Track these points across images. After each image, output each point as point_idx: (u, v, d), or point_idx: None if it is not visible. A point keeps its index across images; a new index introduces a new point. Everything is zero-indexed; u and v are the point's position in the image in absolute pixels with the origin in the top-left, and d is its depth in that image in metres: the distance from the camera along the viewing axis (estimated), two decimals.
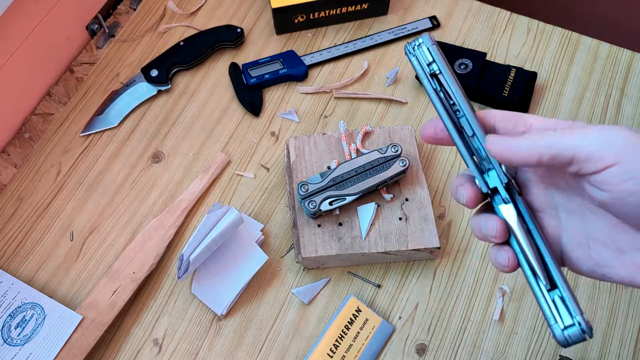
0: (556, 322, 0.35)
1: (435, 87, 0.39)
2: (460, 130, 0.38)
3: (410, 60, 0.39)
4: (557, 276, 0.35)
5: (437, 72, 0.38)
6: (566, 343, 0.34)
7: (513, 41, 0.76)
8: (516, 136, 0.35)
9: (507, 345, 0.59)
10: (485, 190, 0.38)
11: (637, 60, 0.74)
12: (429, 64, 0.39)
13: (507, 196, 0.37)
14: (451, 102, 0.38)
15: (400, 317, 0.61)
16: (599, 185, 0.33)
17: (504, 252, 0.37)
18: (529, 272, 0.36)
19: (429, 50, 0.39)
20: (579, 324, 0.34)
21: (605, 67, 0.74)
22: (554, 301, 0.35)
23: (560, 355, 0.59)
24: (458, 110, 0.38)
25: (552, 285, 0.36)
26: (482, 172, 0.38)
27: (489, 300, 0.61)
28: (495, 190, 0.38)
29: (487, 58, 0.74)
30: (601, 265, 0.35)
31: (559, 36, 0.76)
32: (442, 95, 0.38)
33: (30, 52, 0.69)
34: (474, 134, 0.38)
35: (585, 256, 0.36)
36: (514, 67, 0.71)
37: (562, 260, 0.37)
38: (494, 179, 0.38)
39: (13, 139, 0.71)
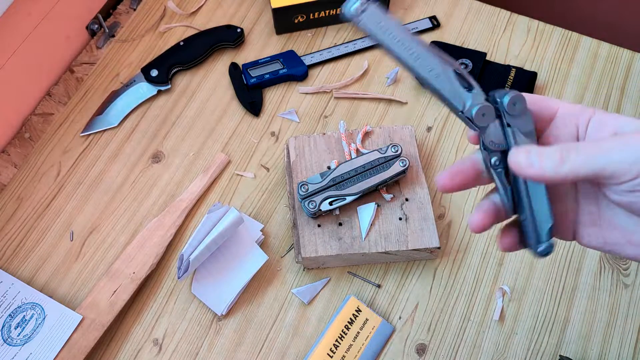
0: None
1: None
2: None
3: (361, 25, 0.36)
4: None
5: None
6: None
7: (513, 41, 0.76)
8: (540, 143, 0.36)
9: (507, 345, 0.59)
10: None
11: (637, 60, 0.74)
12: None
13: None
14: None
15: (400, 317, 0.61)
16: (617, 191, 0.33)
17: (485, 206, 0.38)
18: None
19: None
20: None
21: (605, 67, 0.74)
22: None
23: (560, 355, 0.59)
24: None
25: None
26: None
27: (489, 300, 0.61)
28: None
29: (487, 58, 0.74)
30: (610, 243, 0.37)
31: (559, 36, 0.76)
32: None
33: (30, 52, 0.69)
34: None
35: (597, 234, 0.37)
36: (514, 67, 0.71)
37: (573, 234, 0.38)
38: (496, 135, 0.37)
39: (13, 139, 0.71)
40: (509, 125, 0.36)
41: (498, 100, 0.36)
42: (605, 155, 0.32)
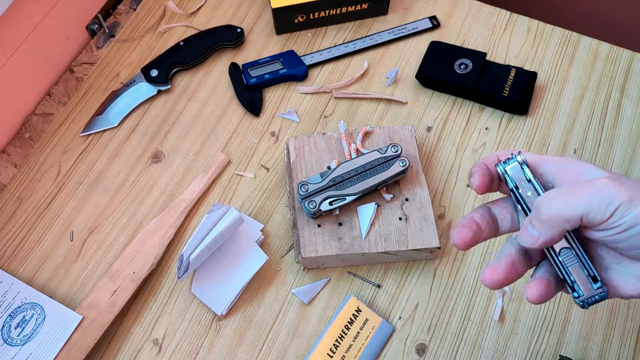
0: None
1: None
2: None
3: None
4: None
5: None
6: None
7: (513, 41, 0.76)
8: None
9: (507, 345, 0.59)
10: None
11: (637, 60, 0.74)
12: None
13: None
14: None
15: (400, 317, 0.61)
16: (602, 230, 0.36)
17: None
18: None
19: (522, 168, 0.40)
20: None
21: (605, 67, 0.74)
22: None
23: (560, 355, 0.59)
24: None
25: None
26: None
27: (489, 300, 0.61)
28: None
29: (487, 58, 0.74)
30: None
31: (559, 36, 0.76)
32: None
33: (30, 52, 0.69)
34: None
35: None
36: (514, 67, 0.71)
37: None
38: None
39: (13, 139, 0.71)
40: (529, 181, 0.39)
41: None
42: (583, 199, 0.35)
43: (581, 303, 0.38)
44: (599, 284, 0.37)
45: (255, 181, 0.68)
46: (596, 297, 0.37)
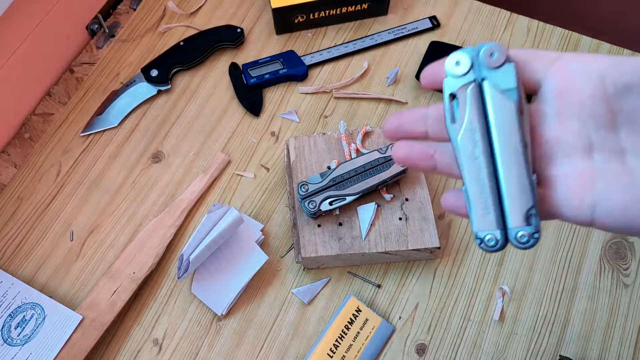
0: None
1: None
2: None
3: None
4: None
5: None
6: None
7: (513, 41, 0.76)
8: None
9: (507, 345, 0.59)
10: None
11: None
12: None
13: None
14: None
15: (400, 317, 0.61)
16: None
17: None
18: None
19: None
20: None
21: None
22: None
23: (560, 355, 0.59)
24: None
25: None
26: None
27: (489, 300, 0.61)
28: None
29: None
30: None
31: (559, 36, 0.76)
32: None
33: (30, 52, 0.69)
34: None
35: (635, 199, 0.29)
36: None
37: (592, 219, 0.30)
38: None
39: (13, 139, 0.71)
40: (483, 80, 0.32)
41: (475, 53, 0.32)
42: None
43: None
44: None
45: (255, 181, 0.68)
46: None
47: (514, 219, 0.31)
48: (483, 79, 0.32)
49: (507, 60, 0.31)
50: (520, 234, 0.31)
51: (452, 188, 0.34)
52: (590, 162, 0.30)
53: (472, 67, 0.32)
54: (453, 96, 0.33)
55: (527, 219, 0.30)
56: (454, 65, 0.32)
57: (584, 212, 0.30)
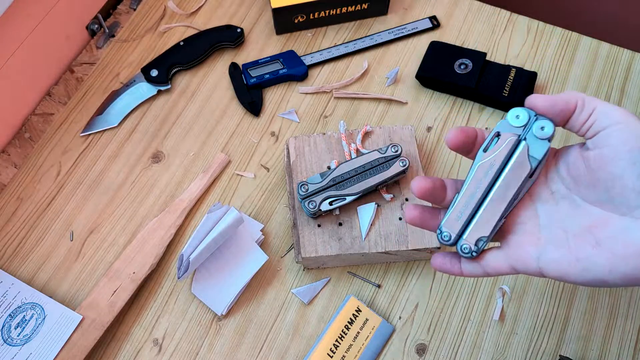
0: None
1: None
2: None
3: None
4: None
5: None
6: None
7: (513, 41, 0.76)
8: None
9: (507, 345, 0.59)
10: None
11: (637, 60, 0.74)
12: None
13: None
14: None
15: (400, 317, 0.61)
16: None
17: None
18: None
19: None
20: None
21: (605, 67, 0.74)
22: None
23: (560, 355, 0.59)
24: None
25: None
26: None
27: (489, 300, 0.61)
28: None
29: (487, 58, 0.74)
30: (582, 259, 0.37)
31: (559, 36, 0.76)
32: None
33: (30, 52, 0.69)
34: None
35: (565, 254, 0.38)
36: (514, 67, 0.71)
37: (540, 268, 0.39)
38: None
39: (13, 139, 0.71)
40: (523, 139, 0.40)
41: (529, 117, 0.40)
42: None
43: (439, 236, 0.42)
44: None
45: (255, 181, 0.68)
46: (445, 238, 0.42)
47: (469, 236, 0.41)
48: (524, 138, 0.40)
49: (549, 139, 0.39)
50: (465, 246, 0.41)
51: (444, 251, 0.45)
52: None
53: (526, 124, 0.40)
54: (498, 134, 0.41)
55: (477, 242, 0.41)
56: (514, 117, 0.40)
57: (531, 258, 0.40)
